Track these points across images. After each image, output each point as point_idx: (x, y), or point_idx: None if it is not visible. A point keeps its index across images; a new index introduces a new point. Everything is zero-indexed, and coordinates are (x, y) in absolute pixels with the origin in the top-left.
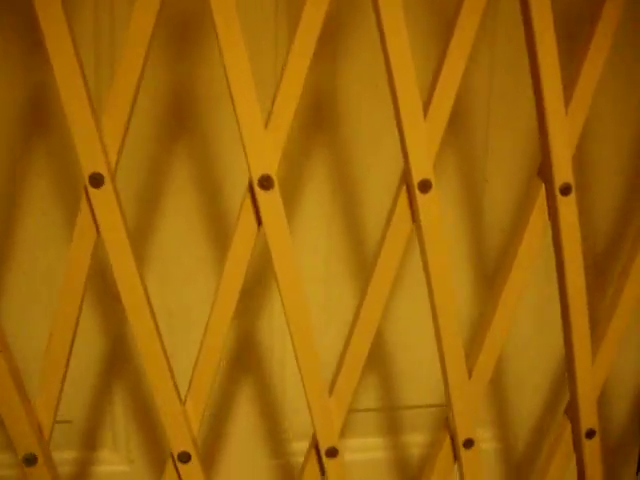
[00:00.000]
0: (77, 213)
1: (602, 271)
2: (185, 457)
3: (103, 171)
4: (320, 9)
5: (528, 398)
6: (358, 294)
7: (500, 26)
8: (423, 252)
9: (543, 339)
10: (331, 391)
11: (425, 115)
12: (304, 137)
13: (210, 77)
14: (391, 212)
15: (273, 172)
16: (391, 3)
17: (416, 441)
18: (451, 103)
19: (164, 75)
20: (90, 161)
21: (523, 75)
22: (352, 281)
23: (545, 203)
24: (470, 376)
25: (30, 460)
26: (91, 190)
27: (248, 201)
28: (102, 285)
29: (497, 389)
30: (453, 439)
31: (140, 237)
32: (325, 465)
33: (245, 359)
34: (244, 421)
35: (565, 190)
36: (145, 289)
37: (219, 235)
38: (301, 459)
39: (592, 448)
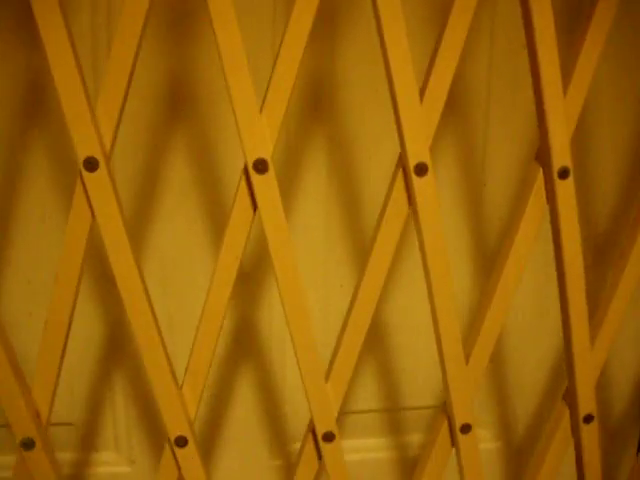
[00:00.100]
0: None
1: (602, 253)
2: (182, 441)
3: (98, 155)
4: None
5: (527, 388)
6: (356, 278)
7: (500, 8)
8: (420, 235)
9: (542, 323)
10: (328, 376)
11: (421, 98)
12: (301, 121)
13: (208, 61)
14: (387, 196)
15: (268, 156)
16: None
17: (419, 442)
18: (448, 86)
19: (161, 59)
20: (84, 145)
21: (522, 60)
22: (350, 265)
23: (543, 187)
24: (467, 361)
25: (28, 444)
26: (86, 174)
27: (244, 185)
28: (100, 269)
29: (494, 375)
30: (450, 424)
31: (136, 222)
32: (322, 449)
33: (245, 345)
34: (244, 407)
35: (563, 174)
36: (141, 273)
37: (217, 220)
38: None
39: (590, 433)
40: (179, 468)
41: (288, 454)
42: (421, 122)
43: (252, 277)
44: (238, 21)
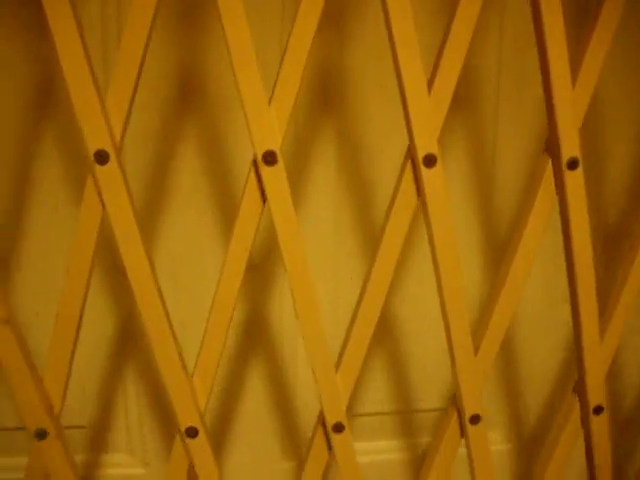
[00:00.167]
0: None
1: (612, 243)
2: (193, 432)
3: (108, 148)
4: None
5: (537, 379)
6: (365, 270)
7: (509, 3)
8: (429, 228)
9: (551, 314)
10: (338, 367)
11: (429, 90)
12: (310, 113)
13: (218, 52)
14: (396, 187)
15: (277, 147)
16: None
17: (428, 444)
18: (456, 77)
19: (171, 51)
20: (95, 138)
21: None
22: (359, 257)
23: (552, 178)
24: (476, 353)
25: (41, 434)
26: (96, 167)
27: (253, 177)
28: (110, 260)
29: (504, 366)
30: (460, 415)
31: (146, 214)
32: (332, 440)
33: (256, 337)
34: (255, 401)
35: (572, 164)
36: (152, 265)
37: (226, 212)
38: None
39: (600, 424)
40: (190, 459)
41: (299, 448)
42: (429, 113)
43: (263, 269)
44: (247, 15)
